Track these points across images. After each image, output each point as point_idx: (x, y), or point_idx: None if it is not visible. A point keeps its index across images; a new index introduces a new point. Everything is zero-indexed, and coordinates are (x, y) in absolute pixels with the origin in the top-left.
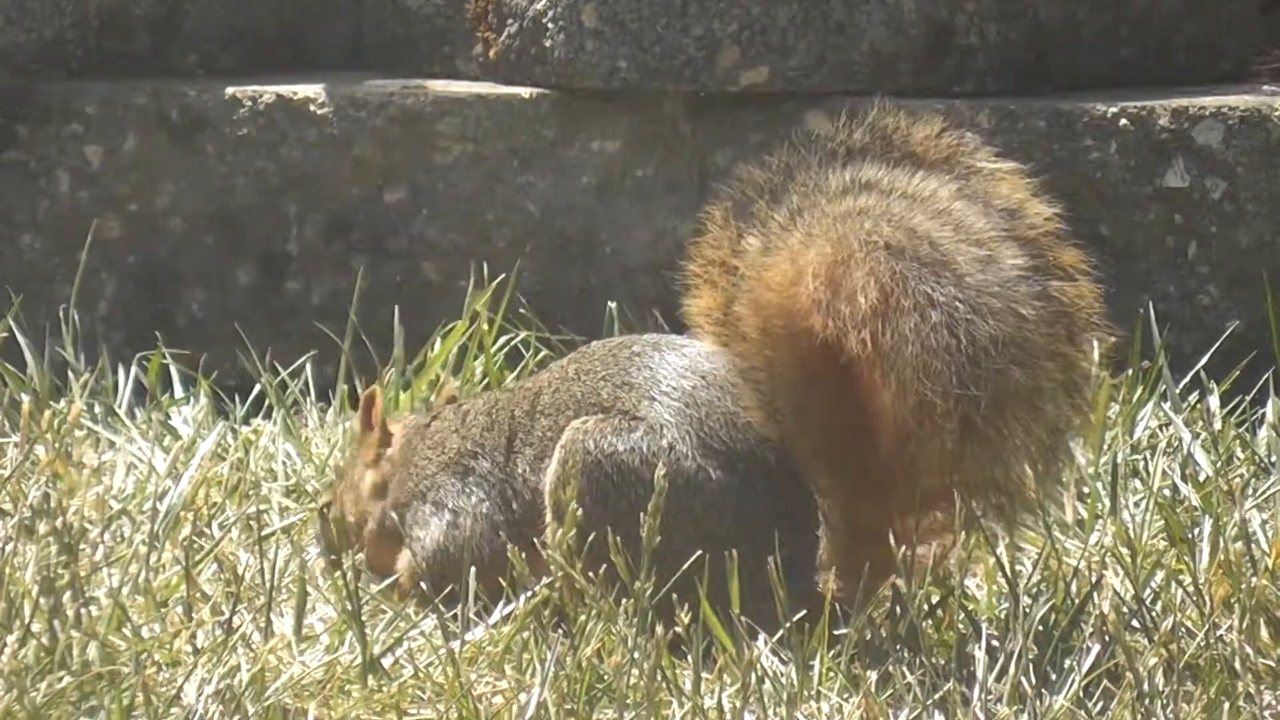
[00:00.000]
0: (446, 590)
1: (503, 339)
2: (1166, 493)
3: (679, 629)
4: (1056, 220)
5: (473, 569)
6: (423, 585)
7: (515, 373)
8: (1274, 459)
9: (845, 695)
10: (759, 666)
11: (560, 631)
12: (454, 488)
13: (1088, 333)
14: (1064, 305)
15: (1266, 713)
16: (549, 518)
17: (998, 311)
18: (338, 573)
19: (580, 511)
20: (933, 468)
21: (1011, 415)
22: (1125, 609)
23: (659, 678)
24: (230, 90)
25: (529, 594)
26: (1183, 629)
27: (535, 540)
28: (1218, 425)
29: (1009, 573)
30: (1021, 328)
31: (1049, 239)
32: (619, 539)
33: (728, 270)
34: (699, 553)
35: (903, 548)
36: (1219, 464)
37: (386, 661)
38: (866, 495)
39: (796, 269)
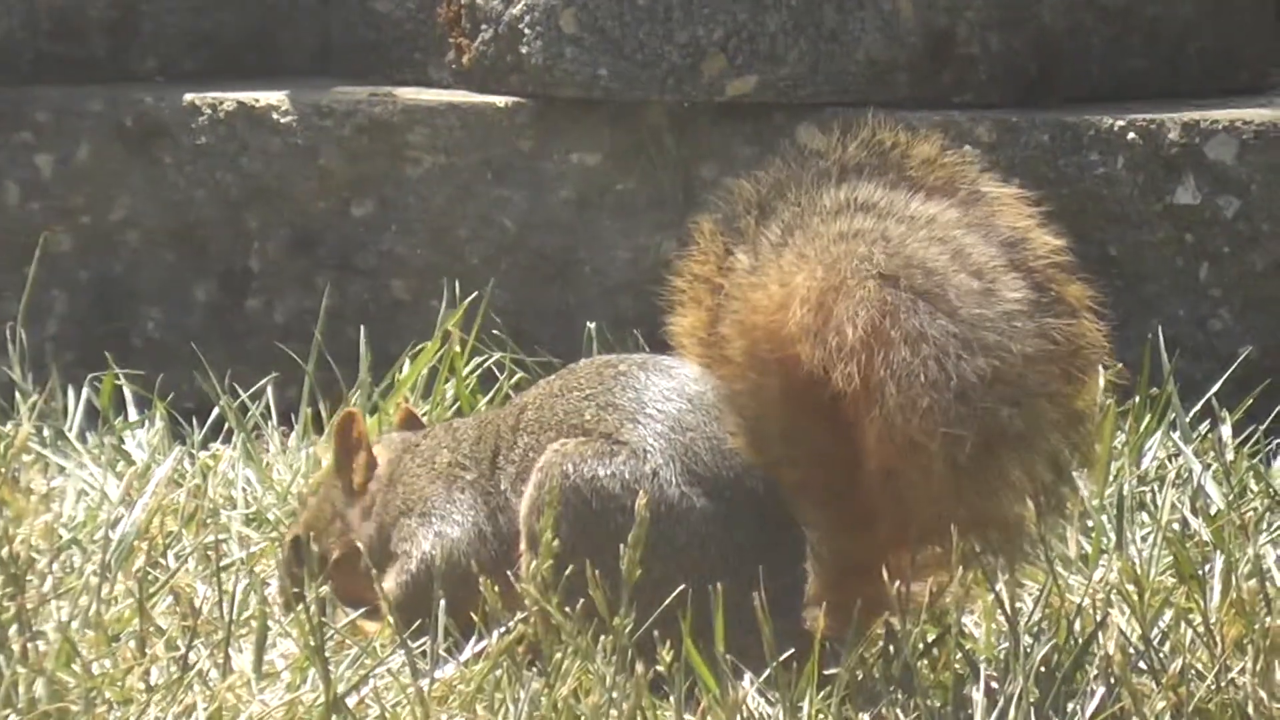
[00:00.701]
0: (436, 602)
1: (475, 360)
2: (1176, 527)
3: (660, 667)
4: (1062, 251)
5: (464, 583)
6: (405, 604)
7: (489, 396)
8: None
9: None
10: (745, 708)
11: (535, 669)
12: (441, 496)
13: (1087, 374)
14: (1064, 343)
15: None
16: (523, 546)
17: (991, 347)
18: (299, 606)
19: (556, 539)
20: (921, 504)
21: (1004, 454)
22: (1132, 649)
23: (639, 719)
24: (189, 97)
25: (502, 629)
26: (1192, 671)
27: (509, 572)
28: (1230, 456)
29: (1009, 610)
30: (1016, 365)
31: (1053, 271)
32: (597, 569)
33: (714, 288)
34: (681, 586)
35: (896, 583)
36: (1231, 497)
37: (351, 700)
38: (854, 528)
39: (786, 292)
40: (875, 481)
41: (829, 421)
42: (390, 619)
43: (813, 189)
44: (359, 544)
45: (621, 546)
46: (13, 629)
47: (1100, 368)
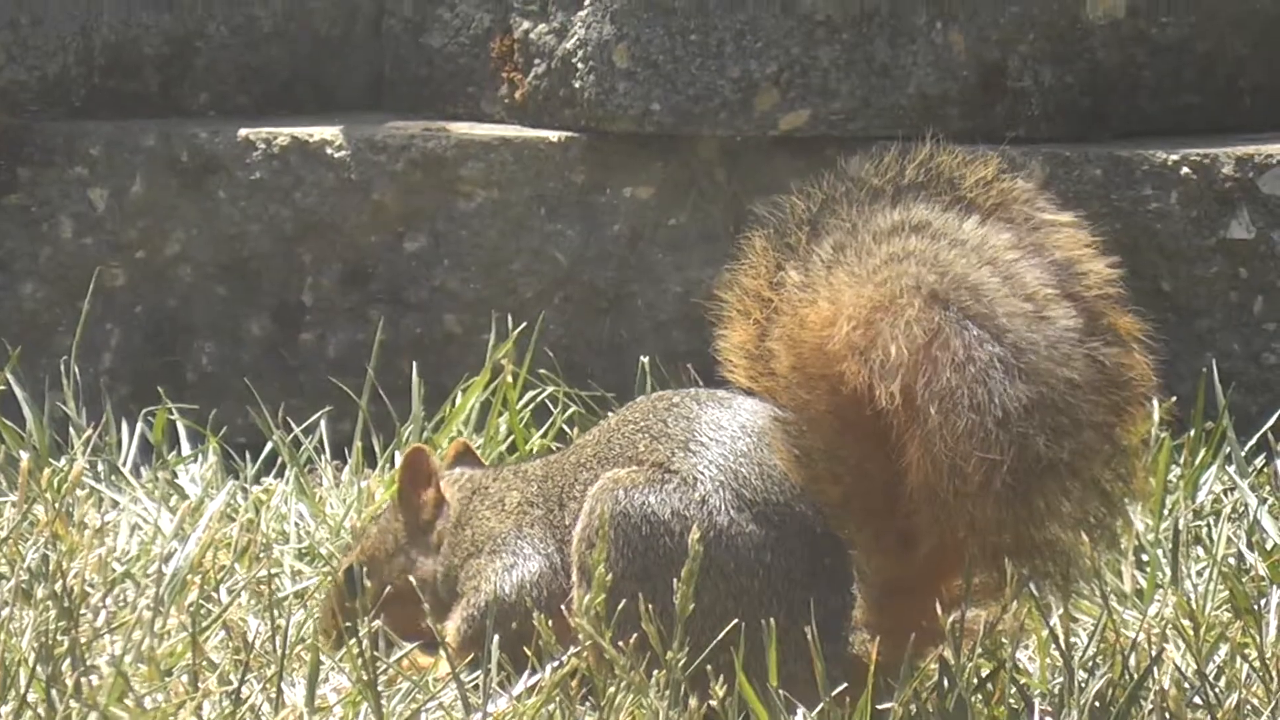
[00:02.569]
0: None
1: (529, 395)
2: (1231, 561)
3: (713, 702)
4: (1115, 281)
5: (528, 615)
6: (471, 637)
7: (543, 430)
8: None
9: None
10: None
11: (588, 704)
12: (511, 534)
13: (1136, 407)
14: (1113, 374)
15: None
16: (574, 577)
17: (1038, 373)
18: (344, 638)
19: (608, 565)
20: (962, 527)
21: (1047, 482)
22: (1187, 684)
23: None
24: (243, 132)
25: (555, 663)
26: (1248, 706)
27: (561, 606)
28: None
29: (1063, 645)
30: (1062, 393)
31: (1105, 301)
32: (646, 596)
33: (763, 303)
34: (731, 613)
35: (949, 614)
36: None
37: None
38: (896, 548)
39: (834, 309)
40: (916, 502)
41: (872, 440)
42: (445, 653)
43: (866, 207)
44: (420, 580)
45: (673, 579)
46: (66, 663)
47: (1153, 401)
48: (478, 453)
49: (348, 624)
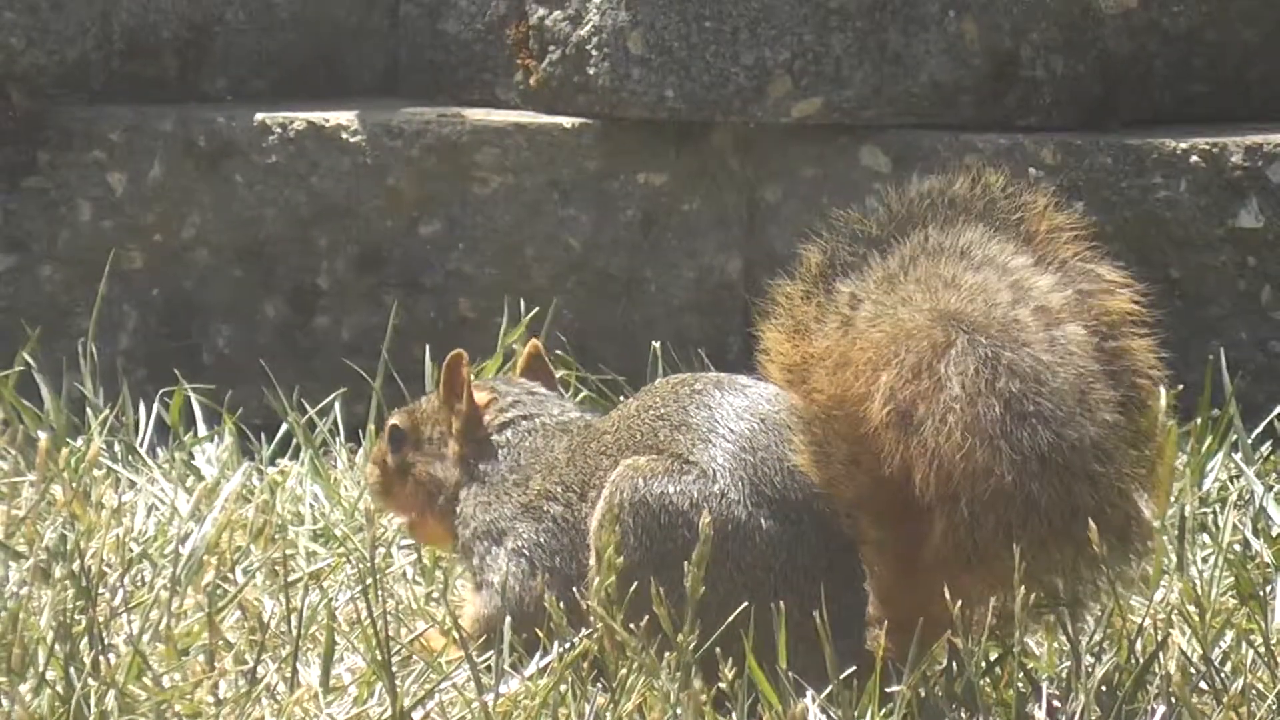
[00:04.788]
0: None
1: None
2: (1237, 548)
3: (723, 684)
4: (1159, 364)
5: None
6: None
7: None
8: None
9: None
10: None
11: (599, 685)
12: (530, 538)
13: (1135, 493)
14: (1122, 472)
15: None
16: (591, 560)
17: (1061, 439)
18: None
19: (624, 551)
20: (982, 531)
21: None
22: (1193, 669)
23: None
24: (260, 116)
25: (566, 645)
26: (1253, 691)
27: (575, 589)
28: None
29: (1070, 630)
30: (1075, 483)
31: (1143, 382)
32: (661, 585)
33: (814, 305)
34: (744, 604)
35: (958, 603)
36: None
37: (417, 715)
38: (910, 550)
39: (882, 332)
40: (934, 506)
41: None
42: (455, 636)
43: (936, 234)
44: (431, 477)
45: (686, 564)
46: (84, 642)
47: (1160, 390)
48: (549, 363)
49: (385, 481)
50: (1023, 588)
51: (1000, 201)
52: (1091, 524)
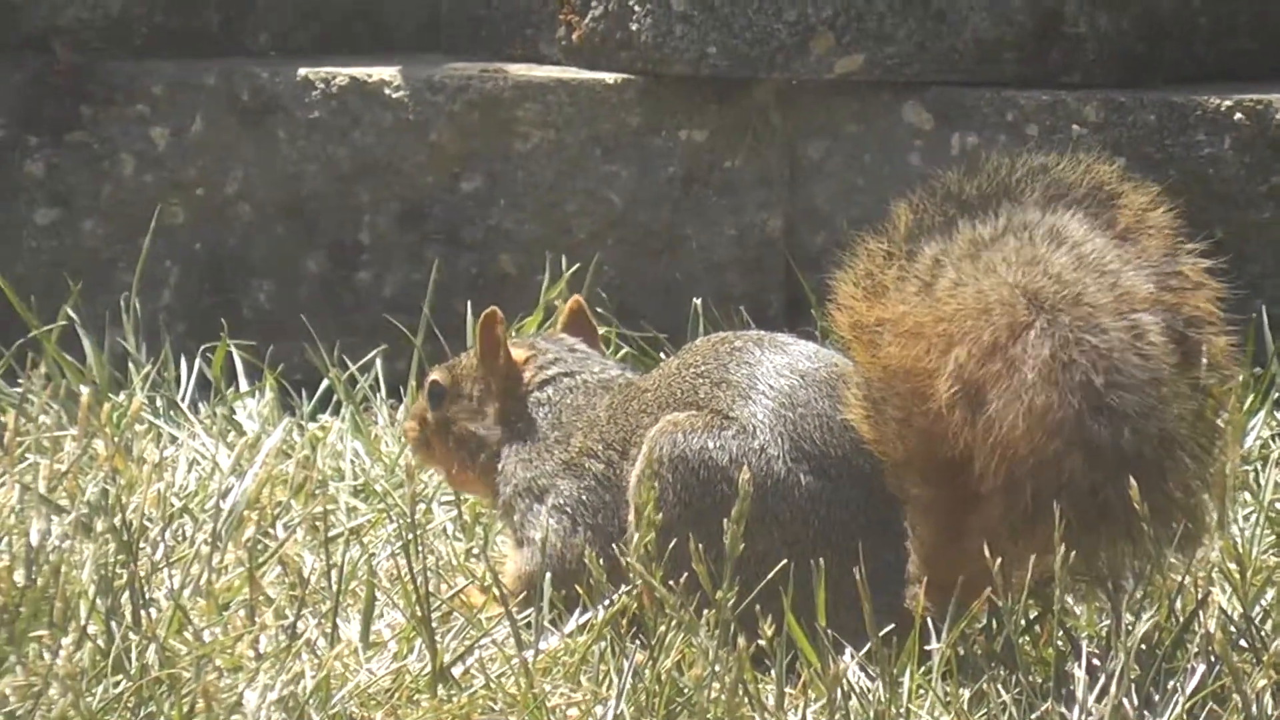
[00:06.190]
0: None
1: None
2: (1278, 506)
3: (762, 641)
4: (1235, 364)
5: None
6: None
7: None
8: None
9: (936, 713)
10: (845, 681)
11: (638, 642)
12: (571, 495)
13: (1197, 480)
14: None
15: None
16: (631, 517)
17: (1139, 435)
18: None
19: (663, 507)
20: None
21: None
22: (1233, 628)
23: (741, 692)
24: (303, 71)
25: (606, 602)
26: None
27: (615, 545)
28: None
29: (1110, 588)
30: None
31: (1217, 380)
32: (701, 540)
33: (895, 267)
34: (784, 561)
35: (998, 560)
36: None
37: (457, 670)
38: (958, 508)
39: (960, 303)
40: (995, 490)
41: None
42: (495, 592)
43: (1025, 208)
44: (468, 433)
45: (725, 520)
46: (125, 596)
47: (1206, 346)
48: (592, 320)
49: (425, 437)
50: (1063, 546)
51: (1103, 191)
52: (1150, 524)
